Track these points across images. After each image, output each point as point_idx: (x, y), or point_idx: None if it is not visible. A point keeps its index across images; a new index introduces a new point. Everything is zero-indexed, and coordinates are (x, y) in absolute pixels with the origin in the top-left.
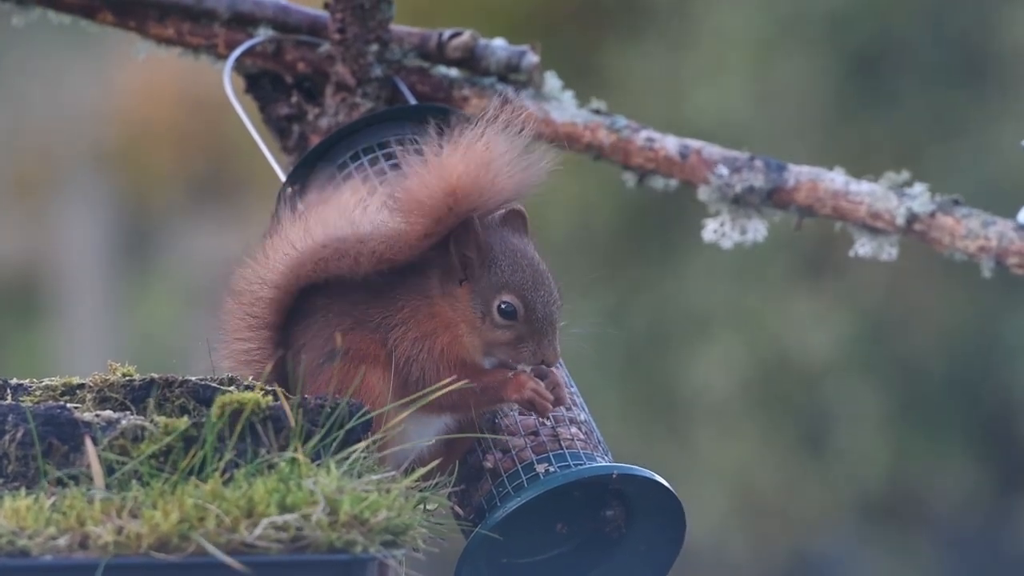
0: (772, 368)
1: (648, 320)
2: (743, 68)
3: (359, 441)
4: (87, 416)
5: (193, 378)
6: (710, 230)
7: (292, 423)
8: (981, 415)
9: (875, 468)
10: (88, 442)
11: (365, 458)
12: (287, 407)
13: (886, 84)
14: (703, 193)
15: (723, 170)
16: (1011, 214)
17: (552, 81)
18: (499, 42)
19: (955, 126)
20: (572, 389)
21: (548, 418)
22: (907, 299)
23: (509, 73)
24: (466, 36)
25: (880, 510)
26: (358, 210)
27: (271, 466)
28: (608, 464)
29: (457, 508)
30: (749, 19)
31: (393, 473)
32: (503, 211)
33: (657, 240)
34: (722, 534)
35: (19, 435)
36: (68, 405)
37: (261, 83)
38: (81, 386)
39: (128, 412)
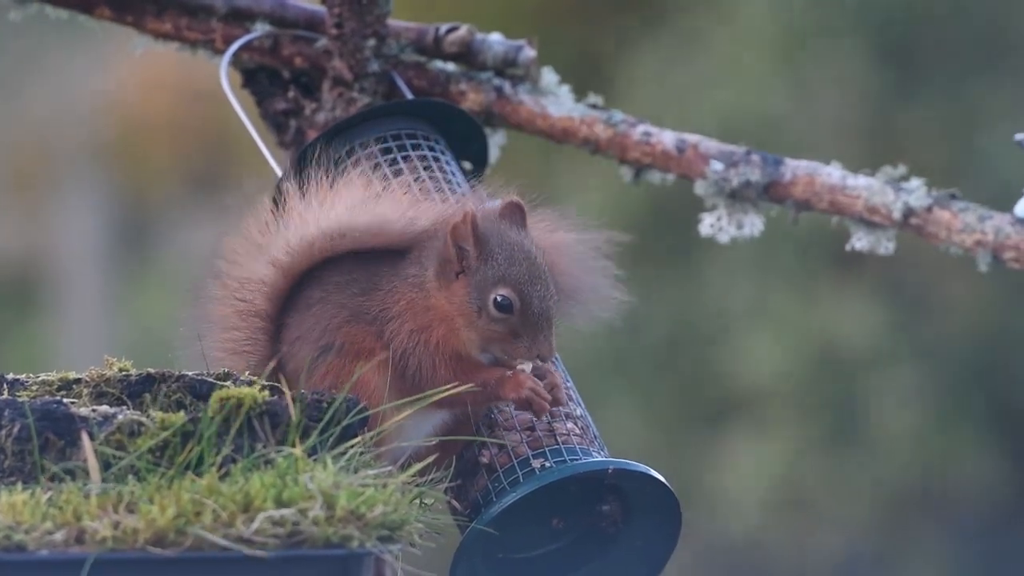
0: (805, 364)
1: (675, 319)
2: (766, 65)
3: (356, 436)
4: (84, 411)
5: (190, 373)
6: (706, 224)
7: (292, 418)
8: (1018, 404)
9: (914, 463)
10: (85, 437)
11: (362, 453)
12: (289, 402)
13: (919, 75)
14: (700, 187)
15: (717, 166)
16: None
17: (549, 75)
18: (496, 37)
19: (989, 117)
20: (568, 384)
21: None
22: (938, 293)
23: (506, 67)
24: (463, 31)
25: (921, 506)
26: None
27: (268, 461)
28: (604, 459)
29: (454, 503)
30: (773, 11)
31: (390, 468)
32: (501, 203)
33: (680, 238)
34: (758, 533)
35: (16, 430)
36: (65, 400)
37: (258, 78)
38: (78, 381)
39: (125, 407)
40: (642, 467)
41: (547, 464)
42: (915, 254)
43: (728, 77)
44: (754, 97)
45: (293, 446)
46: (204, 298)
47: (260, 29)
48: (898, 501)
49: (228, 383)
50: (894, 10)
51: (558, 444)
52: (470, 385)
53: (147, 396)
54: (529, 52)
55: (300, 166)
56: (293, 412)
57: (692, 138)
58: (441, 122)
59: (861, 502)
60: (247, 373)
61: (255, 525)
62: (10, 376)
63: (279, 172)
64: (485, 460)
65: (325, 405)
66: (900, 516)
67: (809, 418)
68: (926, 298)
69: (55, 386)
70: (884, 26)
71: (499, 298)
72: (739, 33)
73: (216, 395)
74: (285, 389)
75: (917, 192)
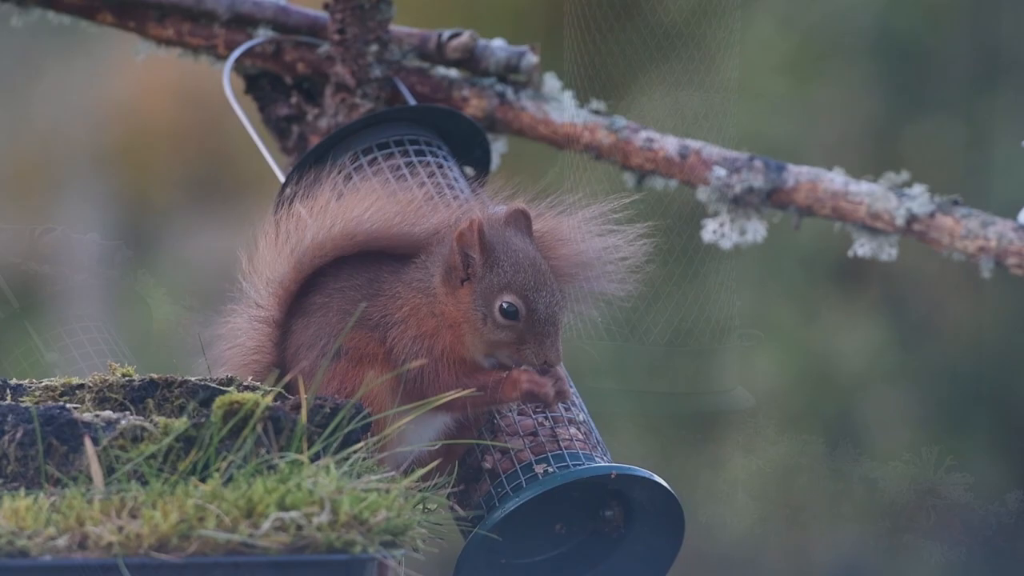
0: (802, 377)
1: (672, 327)
2: (773, 87)
3: (359, 441)
4: (87, 416)
5: (192, 378)
6: (709, 230)
7: (301, 423)
8: (1019, 423)
9: (913, 479)
10: (88, 442)
11: (365, 458)
12: (303, 408)
13: (927, 94)
14: (702, 193)
15: (720, 172)
16: None
17: (551, 81)
18: (498, 42)
19: (1001, 135)
20: (572, 389)
21: (547, 418)
22: (941, 310)
23: (508, 73)
24: (465, 37)
25: (916, 518)
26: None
27: (271, 466)
28: (607, 464)
29: (457, 508)
30: (780, 32)
31: (392, 473)
32: (507, 210)
33: (681, 250)
34: (751, 544)
35: (19, 435)
36: (68, 405)
37: (260, 84)
38: (80, 386)
39: (127, 412)
40: (645, 472)
41: (550, 469)
42: (918, 269)
43: (736, 99)
44: (763, 119)
45: (297, 451)
46: (219, 308)
47: (262, 35)
48: (895, 516)
49: (231, 389)
50: (901, 30)
51: (561, 449)
52: (472, 390)
53: (150, 401)
54: (531, 58)
55: (304, 172)
56: (303, 417)
57: (695, 144)
58: (444, 128)
59: (857, 518)
60: (251, 379)
61: (259, 530)
62: (13, 382)
63: (282, 178)
64: (488, 465)
65: (328, 410)
66: (897, 532)
67: (805, 431)
68: (928, 315)
69: (58, 391)
70: (891, 45)
71: (505, 305)
72: (746, 55)
73: (220, 400)
74: (289, 395)
75: (920, 198)
